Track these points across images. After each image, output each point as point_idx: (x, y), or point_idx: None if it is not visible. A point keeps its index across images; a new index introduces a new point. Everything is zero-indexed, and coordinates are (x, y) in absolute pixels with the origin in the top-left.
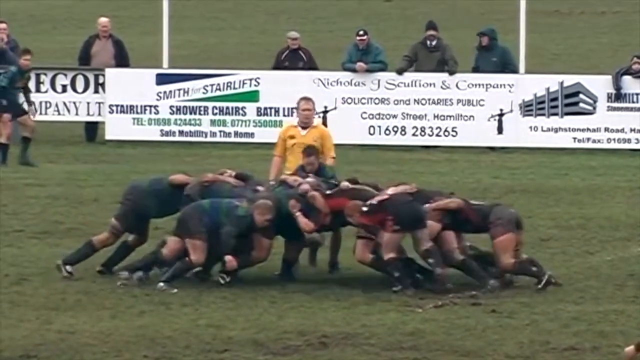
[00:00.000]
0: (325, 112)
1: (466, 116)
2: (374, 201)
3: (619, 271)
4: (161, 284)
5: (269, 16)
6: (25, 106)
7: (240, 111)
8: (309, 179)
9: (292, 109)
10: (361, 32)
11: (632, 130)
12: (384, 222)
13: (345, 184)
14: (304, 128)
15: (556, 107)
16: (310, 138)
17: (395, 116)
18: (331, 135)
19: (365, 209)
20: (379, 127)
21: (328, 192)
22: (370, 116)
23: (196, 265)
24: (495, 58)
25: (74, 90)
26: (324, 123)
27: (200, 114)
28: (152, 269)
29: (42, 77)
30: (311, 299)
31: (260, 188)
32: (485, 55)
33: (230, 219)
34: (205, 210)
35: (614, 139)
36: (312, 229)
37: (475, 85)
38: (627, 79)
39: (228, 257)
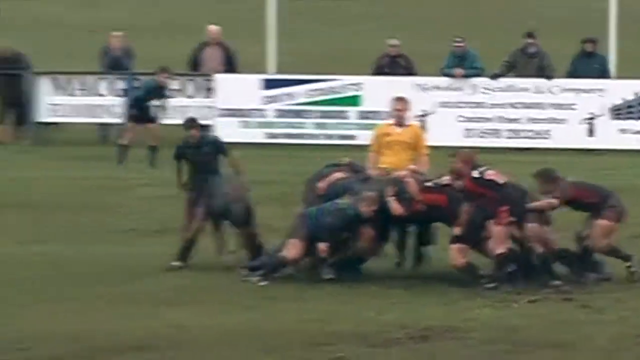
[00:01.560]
0: (423, 115)
1: (559, 119)
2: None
3: None
4: (255, 278)
5: (369, 23)
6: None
7: (343, 115)
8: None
9: None
10: (458, 39)
11: None
12: (490, 201)
13: (446, 178)
14: (399, 126)
15: None
16: (406, 136)
17: (490, 119)
18: (424, 134)
19: (476, 175)
20: (475, 129)
21: (429, 184)
22: (466, 119)
23: (289, 262)
24: (597, 65)
25: (185, 95)
26: (423, 126)
27: (304, 117)
28: (277, 270)
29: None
30: (411, 295)
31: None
32: (586, 62)
33: (333, 214)
34: (311, 213)
35: None
36: (402, 213)
37: (568, 90)
38: None
39: (321, 245)
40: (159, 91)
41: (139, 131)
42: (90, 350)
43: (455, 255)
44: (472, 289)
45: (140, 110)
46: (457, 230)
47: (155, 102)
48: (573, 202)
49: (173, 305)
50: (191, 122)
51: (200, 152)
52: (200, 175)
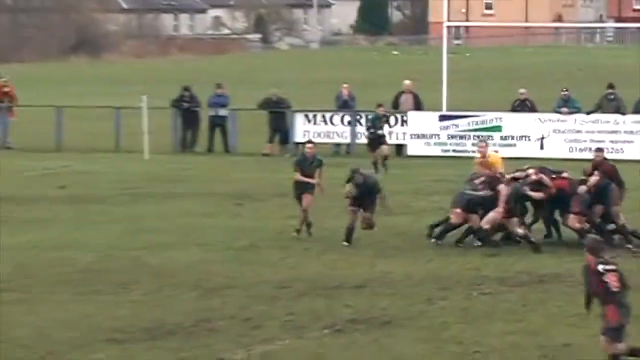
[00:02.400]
0: (542, 138)
1: (629, 141)
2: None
3: None
4: (433, 239)
5: (507, 81)
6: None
7: (489, 138)
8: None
9: (527, 137)
10: (564, 90)
11: None
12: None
13: (566, 173)
14: (484, 156)
15: None
16: (488, 162)
17: (585, 141)
18: (499, 160)
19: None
20: (576, 147)
21: (553, 175)
22: (570, 141)
23: (454, 226)
24: None
25: (389, 125)
26: (541, 147)
27: (465, 139)
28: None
29: (367, 117)
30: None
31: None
32: None
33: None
34: (463, 193)
35: None
36: (542, 198)
37: (635, 122)
38: None
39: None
40: (383, 119)
41: (375, 151)
42: (332, 288)
43: (573, 221)
44: (576, 247)
45: (372, 134)
46: (574, 207)
47: (381, 128)
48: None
49: (384, 257)
50: (309, 142)
51: (311, 164)
52: (302, 182)
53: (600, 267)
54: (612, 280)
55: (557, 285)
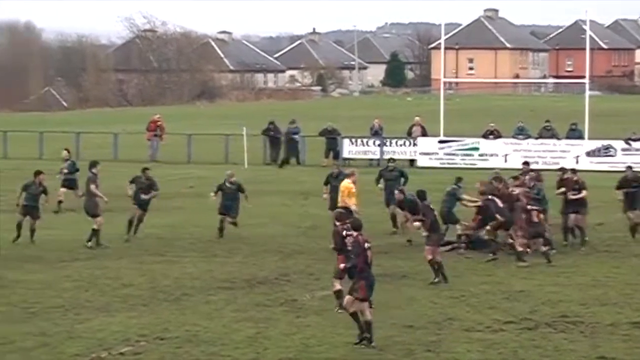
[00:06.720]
0: (506, 155)
1: (563, 157)
2: None
3: None
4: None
5: (482, 117)
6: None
7: (470, 154)
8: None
9: (495, 154)
10: (520, 122)
11: None
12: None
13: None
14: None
15: None
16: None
17: (534, 157)
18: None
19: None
20: (529, 161)
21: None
22: (525, 157)
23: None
24: None
25: (404, 146)
26: (505, 160)
27: (454, 155)
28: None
29: (392, 141)
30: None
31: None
32: None
33: None
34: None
35: None
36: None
37: (567, 144)
38: None
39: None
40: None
41: None
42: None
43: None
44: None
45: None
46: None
47: None
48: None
49: (400, 234)
50: (335, 159)
51: (337, 179)
52: (334, 193)
53: None
54: None
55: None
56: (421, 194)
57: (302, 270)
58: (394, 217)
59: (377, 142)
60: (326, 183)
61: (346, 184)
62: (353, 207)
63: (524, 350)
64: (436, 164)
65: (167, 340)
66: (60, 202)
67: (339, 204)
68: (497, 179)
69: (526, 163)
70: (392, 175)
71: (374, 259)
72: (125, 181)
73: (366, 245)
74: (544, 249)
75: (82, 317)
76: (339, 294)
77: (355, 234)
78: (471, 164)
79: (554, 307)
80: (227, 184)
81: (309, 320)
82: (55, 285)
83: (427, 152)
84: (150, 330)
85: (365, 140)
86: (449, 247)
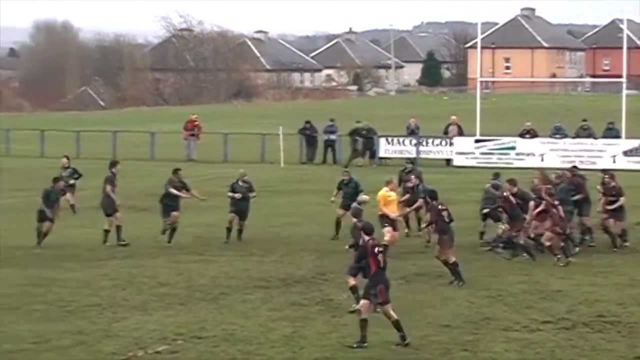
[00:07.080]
0: (542, 155)
1: (599, 157)
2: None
3: None
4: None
5: (519, 116)
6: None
7: (506, 153)
8: None
9: (532, 153)
10: (557, 122)
11: None
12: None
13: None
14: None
15: None
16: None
17: (571, 156)
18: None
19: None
20: (565, 160)
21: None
22: (562, 156)
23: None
24: None
25: (440, 145)
26: (542, 160)
27: (490, 155)
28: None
29: (428, 140)
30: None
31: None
32: None
33: None
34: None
35: None
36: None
37: (604, 144)
38: None
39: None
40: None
41: None
42: (403, 253)
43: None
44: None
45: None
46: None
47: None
48: None
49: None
50: (345, 170)
51: (348, 186)
52: (347, 200)
53: None
54: None
55: (548, 255)
56: (432, 194)
57: (338, 270)
58: (406, 219)
59: (414, 141)
60: (338, 188)
61: (382, 192)
62: (392, 215)
63: (561, 350)
64: (472, 163)
65: (204, 339)
66: (72, 205)
67: (378, 212)
68: (511, 182)
69: (575, 167)
70: (409, 176)
71: (411, 259)
72: (161, 181)
73: (376, 250)
74: (562, 244)
75: (119, 316)
76: (354, 289)
77: (367, 238)
78: (508, 163)
79: (591, 307)
80: (240, 183)
81: (345, 320)
82: (92, 284)
83: (463, 151)
84: (187, 329)
85: (401, 139)
86: (488, 247)
